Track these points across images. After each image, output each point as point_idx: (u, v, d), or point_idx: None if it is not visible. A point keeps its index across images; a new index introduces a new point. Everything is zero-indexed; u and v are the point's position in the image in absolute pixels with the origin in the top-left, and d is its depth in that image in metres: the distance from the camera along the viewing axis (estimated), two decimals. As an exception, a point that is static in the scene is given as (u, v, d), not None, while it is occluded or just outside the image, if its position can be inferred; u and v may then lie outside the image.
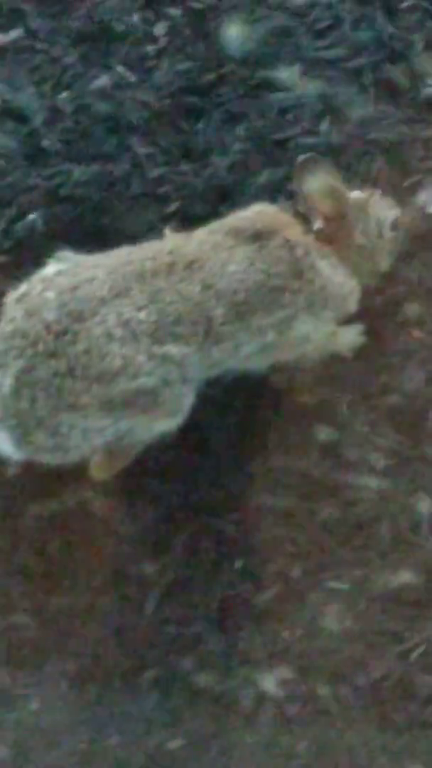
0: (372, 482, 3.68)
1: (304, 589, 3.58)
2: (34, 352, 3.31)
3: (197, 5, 4.29)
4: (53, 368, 3.31)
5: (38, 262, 3.53)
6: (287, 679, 3.51)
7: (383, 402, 3.78)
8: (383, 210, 3.73)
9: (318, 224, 3.59)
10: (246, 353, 3.53)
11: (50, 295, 3.35)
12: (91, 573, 3.61)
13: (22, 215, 3.98)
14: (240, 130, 4.11)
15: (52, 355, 3.31)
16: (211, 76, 4.17)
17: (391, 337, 3.86)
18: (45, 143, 4.09)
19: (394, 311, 3.89)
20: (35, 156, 4.08)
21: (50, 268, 3.46)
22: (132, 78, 4.18)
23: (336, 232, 3.62)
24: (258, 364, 3.62)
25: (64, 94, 4.16)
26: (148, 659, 3.52)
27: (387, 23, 4.26)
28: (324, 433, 3.73)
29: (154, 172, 4.04)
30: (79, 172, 4.04)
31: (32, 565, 3.62)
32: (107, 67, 4.20)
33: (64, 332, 3.32)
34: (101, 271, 3.39)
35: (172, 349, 3.37)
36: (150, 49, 4.21)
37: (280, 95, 4.18)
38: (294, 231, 3.58)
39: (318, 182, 3.56)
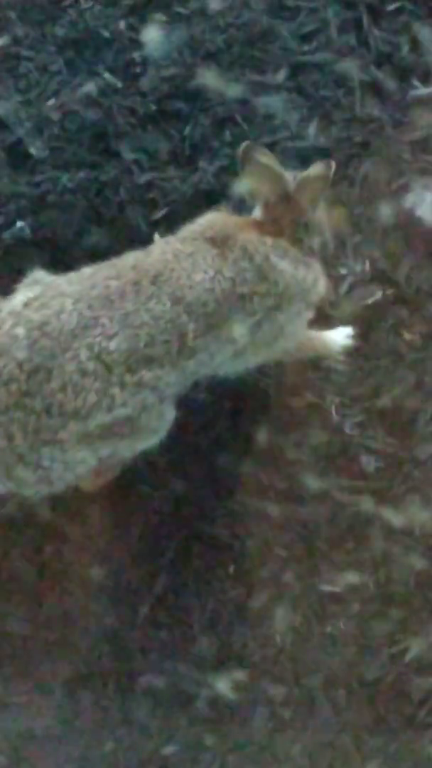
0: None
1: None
2: (8, 392, 3.27)
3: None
4: (29, 407, 3.27)
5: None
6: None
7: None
8: (315, 181, 3.58)
9: (257, 211, 3.56)
10: (220, 361, 3.49)
11: (20, 332, 3.29)
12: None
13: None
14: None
15: (27, 394, 3.27)
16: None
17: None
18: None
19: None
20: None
21: (19, 297, 3.39)
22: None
23: (281, 218, 3.57)
24: (234, 368, 3.58)
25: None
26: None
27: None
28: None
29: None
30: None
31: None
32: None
33: (37, 370, 3.27)
34: (68, 300, 3.33)
35: (146, 375, 3.32)
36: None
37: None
38: (248, 234, 3.53)
39: (256, 167, 3.54)
